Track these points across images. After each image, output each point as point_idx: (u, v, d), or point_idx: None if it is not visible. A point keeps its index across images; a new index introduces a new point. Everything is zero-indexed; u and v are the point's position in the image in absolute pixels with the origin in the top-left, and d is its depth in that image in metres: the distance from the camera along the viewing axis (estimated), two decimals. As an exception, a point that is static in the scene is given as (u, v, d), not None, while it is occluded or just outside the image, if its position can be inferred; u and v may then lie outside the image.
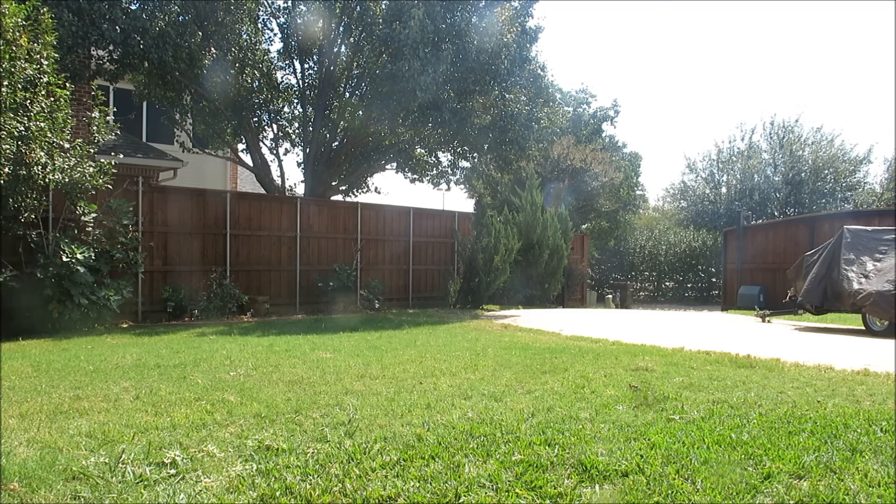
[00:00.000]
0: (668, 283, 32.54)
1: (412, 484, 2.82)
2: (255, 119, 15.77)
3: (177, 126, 15.66)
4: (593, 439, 3.46)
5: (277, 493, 2.75)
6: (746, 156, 35.39)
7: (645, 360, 6.38)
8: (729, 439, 3.47)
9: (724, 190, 36.60)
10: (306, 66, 15.71)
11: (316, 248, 14.05)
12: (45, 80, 8.65)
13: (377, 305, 14.00)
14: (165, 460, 3.12)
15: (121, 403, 4.42)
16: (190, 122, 15.81)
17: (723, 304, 20.64)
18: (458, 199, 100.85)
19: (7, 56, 7.97)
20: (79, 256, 9.22)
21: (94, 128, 9.92)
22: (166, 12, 12.40)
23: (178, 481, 2.90)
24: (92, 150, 9.68)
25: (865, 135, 71.27)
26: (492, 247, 14.57)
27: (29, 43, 8.38)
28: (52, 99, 8.82)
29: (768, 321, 12.77)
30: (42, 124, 8.53)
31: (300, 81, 15.78)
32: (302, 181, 16.93)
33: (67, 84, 9.30)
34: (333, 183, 16.96)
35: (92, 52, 12.63)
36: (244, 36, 14.47)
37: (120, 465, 3.05)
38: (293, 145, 17.03)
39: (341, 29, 14.88)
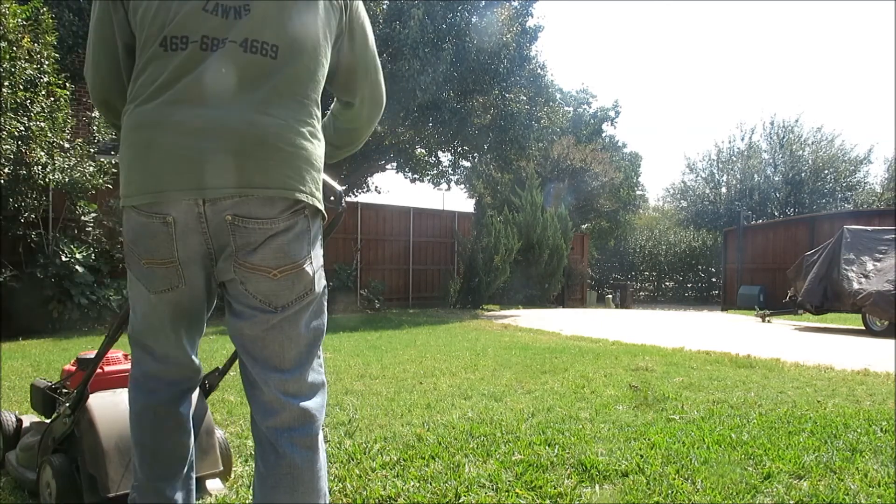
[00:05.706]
0: (668, 283, 32.53)
1: (412, 484, 2.82)
2: (255, 118, 15.74)
3: (177, 126, 15.64)
4: (593, 439, 3.46)
5: (277, 493, 2.74)
6: (746, 156, 35.35)
7: (645, 360, 6.38)
8: (729, 439, 3.47)
9: (724, 190, 36.55)
10: (306, 65, 15.69)
11: (316, 248, 14.03)
12: (46, 80, 8.65)
13: (377, 305, 14.00)
14: (165, 460, 3.12)
15: (121, 403, 4.42)
16: (190, 121, 15.79)
17: (723, 304, 20.65)
18: (458, 199, 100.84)
19: (7, 56, 7.98)
20: (78, 256, 9.23)
21: (95, 128, 9.92)
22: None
23: (178, 481, 2.90)
24: (92, 150, 9.68)
25: (865, 135, 71.33)
26: (492, 247, 14.56)
27: (30, 43, 8.38)
28: (53, 99, 8.82)
29: (768, 321, 12.77)
30: (42, 124, 8.53)
31: (300, 81, 15.76)
32: (302, 181, 16.91)
33: (68, 84, 9.30)
34: (333, 183, 16.94)
35: (92, 51, 12.63)
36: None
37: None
38: (293, 145, 17.01)
39: (341, 29, 14.87)
